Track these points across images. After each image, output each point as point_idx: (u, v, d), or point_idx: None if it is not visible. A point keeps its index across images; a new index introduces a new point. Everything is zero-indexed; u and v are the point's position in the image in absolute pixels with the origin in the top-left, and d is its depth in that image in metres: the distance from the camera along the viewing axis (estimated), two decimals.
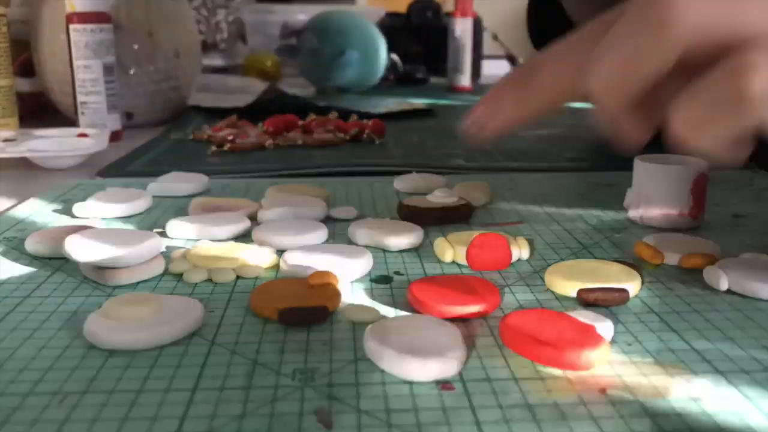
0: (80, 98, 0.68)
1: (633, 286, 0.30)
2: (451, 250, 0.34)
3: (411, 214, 0.41)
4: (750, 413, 0.22)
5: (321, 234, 0.37)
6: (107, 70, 0.68)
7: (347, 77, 1.03)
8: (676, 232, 0.39)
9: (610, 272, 0.31)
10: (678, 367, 0.24)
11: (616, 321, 0.28)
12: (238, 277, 0.33)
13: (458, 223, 0.42)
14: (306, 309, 0.27)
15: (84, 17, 0.67)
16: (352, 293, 0.31)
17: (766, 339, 0.27)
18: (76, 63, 0.68)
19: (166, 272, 0.34)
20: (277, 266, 0.34)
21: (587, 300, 0.29)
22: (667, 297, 0.31)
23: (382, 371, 0.24)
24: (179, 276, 0.33)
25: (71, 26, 0.67)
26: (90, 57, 0.67)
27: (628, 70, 0.25)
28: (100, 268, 0.32)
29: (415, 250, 0.37)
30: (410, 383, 0.23)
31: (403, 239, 0.36)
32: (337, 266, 0.32)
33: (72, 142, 0.61)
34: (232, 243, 0.36)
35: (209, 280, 0.33)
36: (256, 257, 0.34)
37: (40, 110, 0.86)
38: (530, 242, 0.38)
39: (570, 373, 0.24)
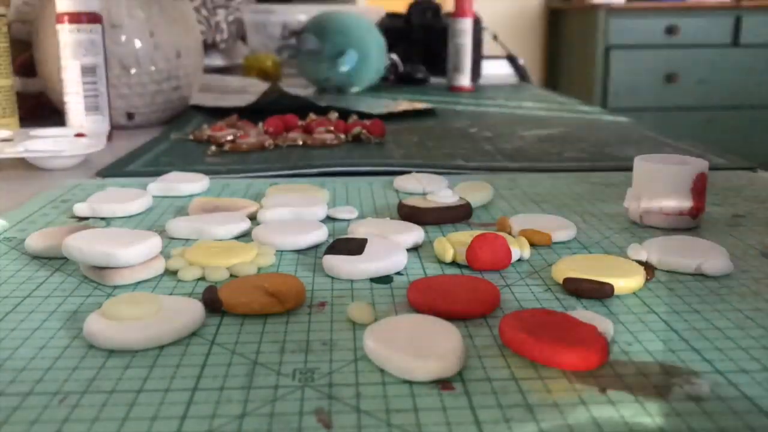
0: (65, 98, 0.67)
1: (627, 281, 0.30)
2: (451, 250, 0.34)
3: (411, 214, 0.41)
4: (750, 413, 0.22)
5: (321, 234, 0.37)
6: (87, 70, 0.67)
7: (347, 77, 1.03)
8: (676, 231, 0.39)
9: (615, 267, 0.32)
10: (678, 367, 0.24)
11: (616, 321, 0.28)
12: (235, 276, 0.33)
13: (458, 223, 0.42)
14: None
15: (73, 17, 0.66)
16: (352, 293, 0.31)
17: (766, 339, 0.27)
18: (62, 63, 0.67)
19: (166, 272, 0.34)
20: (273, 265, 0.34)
21: (569, 289, 0.31)
22: (667, 297, 0.31)
23: (382, 371, 0.24)
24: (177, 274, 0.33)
25: (58, 26, 0.66)
26: (73, 57, 0.66)
27: None
28: (100, 268, 0.32)
29: (415, 249, 0.37)
30: (410, 383, 0.23)
31: (403, 239, 0.36)
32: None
33: (69, 142, 0.61)
34: (232, 242, 0.36)
35: (203, 278, 0.33)
36: (254, 257, 0.34)
37: (40, 110, 0.86)
38: (530, 242, 0.38)
39: (570, 373, 0.24)
